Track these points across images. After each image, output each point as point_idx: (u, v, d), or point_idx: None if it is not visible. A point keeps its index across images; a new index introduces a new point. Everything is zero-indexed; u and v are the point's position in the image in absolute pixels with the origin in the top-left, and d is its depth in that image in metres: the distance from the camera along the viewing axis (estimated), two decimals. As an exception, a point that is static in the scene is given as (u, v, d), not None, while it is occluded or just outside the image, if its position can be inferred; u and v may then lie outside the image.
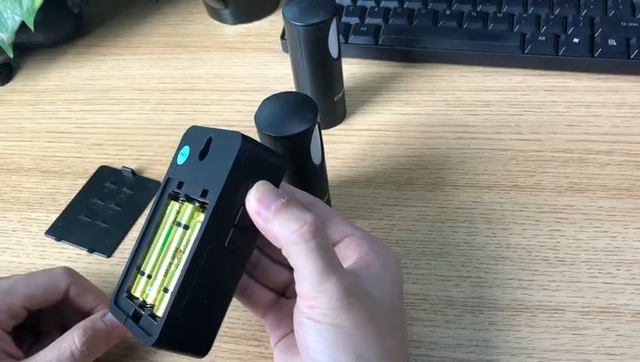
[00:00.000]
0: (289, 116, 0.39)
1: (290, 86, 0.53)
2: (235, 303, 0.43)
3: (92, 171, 0.53)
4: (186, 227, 0.35)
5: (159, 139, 0.56)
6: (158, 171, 0.53)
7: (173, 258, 0.35)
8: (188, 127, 0.58)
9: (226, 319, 0.43)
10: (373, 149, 0.52)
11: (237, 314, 0.43)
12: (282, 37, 0.61)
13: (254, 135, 0.40)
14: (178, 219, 0.35)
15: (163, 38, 0.66)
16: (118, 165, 0.53)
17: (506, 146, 0.50)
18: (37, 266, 0.48)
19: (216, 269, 0.33)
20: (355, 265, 0.32)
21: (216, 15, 0.67)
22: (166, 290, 0.34)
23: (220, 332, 0.42)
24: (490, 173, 0.49)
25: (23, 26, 0.57)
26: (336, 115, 0.54)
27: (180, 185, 0.36)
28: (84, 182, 0.53)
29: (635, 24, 0.54)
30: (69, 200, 0.51)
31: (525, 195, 0.47)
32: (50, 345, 0.37)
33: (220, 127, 0.36)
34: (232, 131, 0.34)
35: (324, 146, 0.43)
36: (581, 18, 0.56)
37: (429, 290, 0.42)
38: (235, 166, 0.32)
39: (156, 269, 0.35)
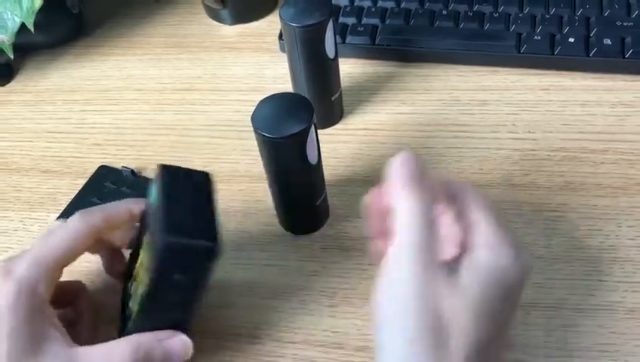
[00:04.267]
0: (285, 117, 0.40)
1: (288, 86, 0.54)
2: (233, 301, 0.44)
3: (92, 171, 0.54)
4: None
5: (158, 139, 0.56)
6: (157, 171, 0.53)
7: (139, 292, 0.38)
8: (187, 127, 0.59)
9: (223, 316, 0.44)
10: (370, 149, 0.52)
11: (234, 313, 0.43)
12: (280, 37, 0.61)
13: (251, 135, 0.41)
14: (144, 262, 0.38)
15: (162, 39, 0.67)
16: (117, 165, 0.54)
17: (502, 145, 0.51)
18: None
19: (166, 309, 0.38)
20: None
21: (214, 15, 0.67)
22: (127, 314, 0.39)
23: (217, 329, 0.43)
24: (485, 172, 0.49)
25: (22, 27, 0.57)
26: (333, 114, 0.54)
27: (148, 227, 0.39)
28: (83, 181, 0.53)
29: (630, 23, 0.55)
30: (70, 200, 0.52)
31: (520, 194, 0.47)
32: (100, 346, 0.37)
33: (191, 170, 0.39)
34: (168, 216, 0.36)
35: (321, 146, 0.43)
36: (576, 17, 0.56)
37: (424, 288, 0.43)
38: (157, 262, 0.35)
39: (135, 285, 0.40)
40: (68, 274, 0.40)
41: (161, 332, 0.38)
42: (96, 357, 0.36)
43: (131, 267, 0.41)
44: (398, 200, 0.32)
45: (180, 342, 0.38)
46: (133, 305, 0.39)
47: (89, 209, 0.40)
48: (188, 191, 0.38)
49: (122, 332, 0.39)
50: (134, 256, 0.41)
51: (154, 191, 0.38)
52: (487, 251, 0.31)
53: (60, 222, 0.42)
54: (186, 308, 0.39)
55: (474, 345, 0.29)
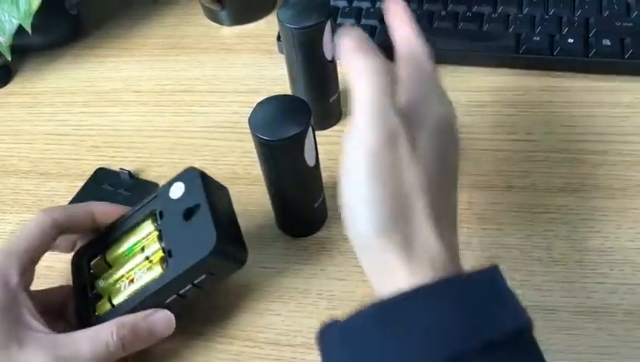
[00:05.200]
0: (283, 119, 0.40)
1: (287, 87, 0.54)
2: (231, 304, 0.44)
3: (90, 173, 0.54)
4: (148, 259, 0.40)
5: (156, 141, 0.56)
6: (155, 173, 0.53)
7: (127, 278, 0.40)
8: (186, 128, 0.58)
9: (221, 319, 0.44)
10: (369, 150, 0.52)
11: (231, 316, 0.43)
12: (278, 38, 0.61)
13: (250, 137, 0.41)
14: (145, 246, 0.40)
15: (160, 40, 0.66)
16: (115, 167, 0.54)
17: (501, 146, 0.51)
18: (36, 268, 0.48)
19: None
20: None
21: (213, 16, 0.67)
22: (112, 305, 0.40)
23: (214, 333, 0.43)
24: (484, 174, 0.49)
25: (20, 28, 0.57)
26: (331, 116, 0.54)
27: (161, 215, 0.40)
28: (82, 184, 0.53)
29: (629, 24, 0.55)
30: (67, 203, 0.52)
31: (519, 196, 0.47)
32: (84, 330, 0.37)
33: (217, 180, 0.41)
34: (216, 224, 0.38)
35: (320, 148, 0.43)
36: (576, 18, 0.56)
37: (423, 291, 0.43)
38: (199, 263, 0.37)
39: (113, 270, 0.41)
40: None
41: (143, 311, 0.39)
42: (81, 341, 0.37)
43: (98, 251, 0.43)
44: (353, 65, 0.32)
45: (163, 316, 0.39)
46: (112, 287, 0.41)
47: (53, 206, 0.43)
48: (221, 200, 0.41)
49: (92, 313, 0.40)
50: (102, 243, 0.43)
51: (180, 188, 0.40)
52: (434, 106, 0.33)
53: None
54: (183, 301, 0.39)
55: (432, 197, 0.30)
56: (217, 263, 0.38)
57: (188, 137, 0.56)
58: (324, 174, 0.46)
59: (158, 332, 0.39)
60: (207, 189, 0.39)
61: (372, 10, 0.60)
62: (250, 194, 0.50)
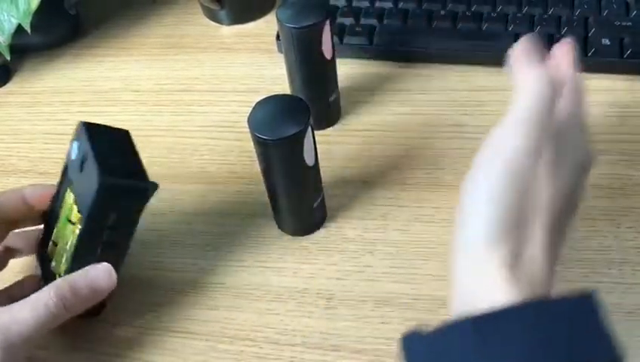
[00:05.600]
0: (282, 118, 0.40)
1: (286, 86, 0.54)
2: (230, 304, 0.44)
3: (89, 173, 0.54)
4: (72, 223, 0.41)
5: (155, 140, 0.56)
6: (154, 173, 0.53)
7: (65, 249, 0.41)
8: (184, 128, 0.58)
9: (220, 319, 0.44)
10: (368, 150, 0.52)
11: (231, 316, 0.43)
12: (278, 38, 0.61)
13: (249, 136, 0.41)
14: (69, 216, 0.41)
15: (159, 39, 0.66)
16: (114, 167, 0.54)
17: (500, 146, 0.51)
18: (34, 267, 0.48)
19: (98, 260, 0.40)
20: None
21: (212, 16, 0.67)
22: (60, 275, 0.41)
23: (213, 332, 0.43)
24: (483, 173, 0.49)
25: (19, 28, 0.57)
26: (330, 115, 0.54)
27: (72, 179, 0.42)
28: (80, 183, 0.53)
29: (628, 23, 0.55)
30: (66, 202, 0.52)
31: (518, 195, 0.47)
32: (24, 299, 0.38)
33: (109, 125, 0.42)
34: (100, 161, 0.39)
35: (319, 147, 0.43)
36: (575, 18, 0.56)
37: (422, 290, 0.43)
38: (95, 203, 0.38)
39: (57, 248, 0.42)
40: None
41: (80, 269, 0.39)
42: (21, 308, 0.37)
43: (49, 237, 0.43)
44: (523, 74, 0.34)
45: (100, 270, 0.39)
46: (59, 263, 0.41)
47: None
48: (112, 142, 0.42)
49: None
50: (49, 228, 0.44)
51: (75, 147, 0.41)
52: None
53: None
54: (116, 250, 0.41)
55: (552, 221, 0.31)
56: (114, 198, 0.39)
57: (187, 137, 0.56)
58: (323, 174, 0.46)
59: (99, 286, 0.39)
60: (91, 137, 0.40)
61: (371, 10, 0.59)
62: (250, 193, 0.50)
